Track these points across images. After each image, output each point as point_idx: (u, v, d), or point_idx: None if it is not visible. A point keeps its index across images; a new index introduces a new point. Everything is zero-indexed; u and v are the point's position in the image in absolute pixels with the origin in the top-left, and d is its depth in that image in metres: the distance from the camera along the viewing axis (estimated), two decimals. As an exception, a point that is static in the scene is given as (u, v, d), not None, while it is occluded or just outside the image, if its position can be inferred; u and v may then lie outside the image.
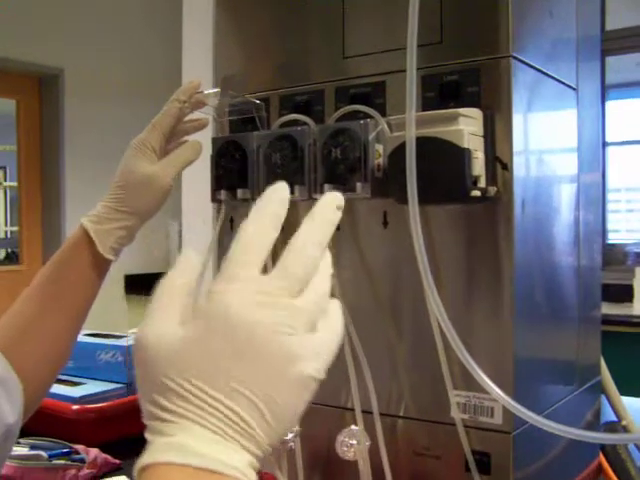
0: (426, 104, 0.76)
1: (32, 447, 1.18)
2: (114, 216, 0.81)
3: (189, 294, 0.45)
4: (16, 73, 4.26)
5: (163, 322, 0.44)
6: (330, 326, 0.46)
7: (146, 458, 0.41)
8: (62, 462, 1.15)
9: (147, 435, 0.42)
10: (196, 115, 0.89)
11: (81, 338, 1.44)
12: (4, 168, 5.97)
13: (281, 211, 0.46)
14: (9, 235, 6.04)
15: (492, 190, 0.73)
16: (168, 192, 0.83)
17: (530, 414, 0.60)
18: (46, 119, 4.40)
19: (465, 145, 0.69)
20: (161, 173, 0.82)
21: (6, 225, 6.26)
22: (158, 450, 0.41)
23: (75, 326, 0.83)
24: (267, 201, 0.46)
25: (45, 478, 1.13)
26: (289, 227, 0.86)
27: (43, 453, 1.16)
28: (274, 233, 0.45)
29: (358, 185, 0.75)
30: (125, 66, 4.53)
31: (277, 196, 0.46)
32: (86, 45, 4.33)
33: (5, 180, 5.96)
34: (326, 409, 0.85)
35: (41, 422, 1.20)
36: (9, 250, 5.58)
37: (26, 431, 1.14)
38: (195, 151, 0.86)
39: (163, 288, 0.46)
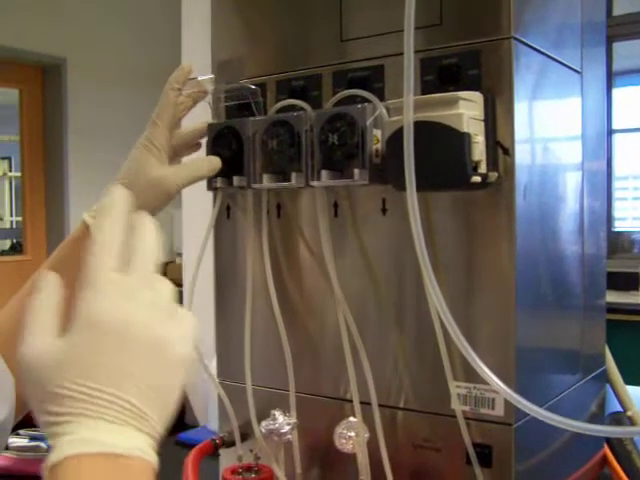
0: (425, 88, 0.74)
1: (31, 438, 1.18)
2: None
3: (56, 310, 0.49)
4: (19, 62, 4.25)
5: (39, 338, 0.48)
6: (182, 311, 0.51)
7: (53, 456, 0.44)
8: (61, 453, 1.14)
9: (50, 441, 0.45)
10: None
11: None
12: (9, 158, 5.97)
13: (122, 214, 0.52)
14: (14, 225, 6.04)
15: (493, 176, 0.71)
16: (173, 197, 0.82)
17: (532, 406, 0.58)
18: (49, 108, 4.39)
19: (465, 129, 0.67)
20: (171, 178, 0.81)
21: (12, 215, 6.26)
22: (64, 446, 0.44)
23: None
24: (109, 207, 0.52)
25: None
26: (285, 216, 0.85)
27: (42, 444, 1.16)
28: (120, 235, 0.51)
29: (356, 171, 0.74)
30: (127, 53, 4.51)
31: (116, 199, 0.53)
32: (88, 33, 4.31)
33: (10, 170, 5.96)
34: (324, 400, 0.83)
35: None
36: (14, 240, 5.58)
37: (25, 422, 1.14)
38: (211, 168, 0.83)
39: (32, 309, 0.49)
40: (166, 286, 0.51)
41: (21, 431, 1.18)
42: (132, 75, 4.48)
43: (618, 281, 3.12)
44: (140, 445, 0.46)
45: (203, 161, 0.84)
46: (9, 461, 1.14)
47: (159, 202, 0.81)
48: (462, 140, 0.67)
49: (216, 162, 0.83)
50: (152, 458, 0.46)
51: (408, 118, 0.63)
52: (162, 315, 0.50)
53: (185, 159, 0.88)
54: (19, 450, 1.15)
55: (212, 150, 0.85)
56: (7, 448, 1.14)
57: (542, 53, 0.77)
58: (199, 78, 0.84)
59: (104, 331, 0.47)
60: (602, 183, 0.97)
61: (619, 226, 4.06)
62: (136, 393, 0.47)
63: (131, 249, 0.51)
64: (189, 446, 0.92)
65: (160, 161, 0.81)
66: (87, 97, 4.35)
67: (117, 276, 0.49)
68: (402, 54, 0.64)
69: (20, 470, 1.13)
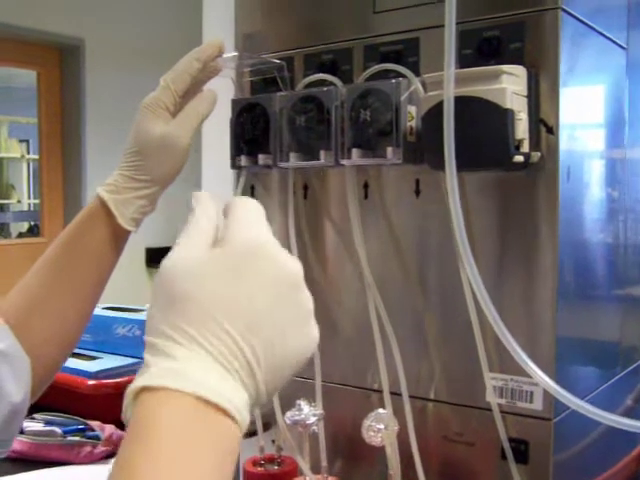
0: (463, 62, 0.70)
1: (46, 423, 1.15)
2: (133, 185, 0.75)
3: (212, 234, 0.46)
4: (37, 44, 4.22)
5: (190, 251, 0.44)
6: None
7: (145, 380, 0.40)
8: (77, 439, 1.12)
9: (146, 355, 0.41)
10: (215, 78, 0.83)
11: (98, 311, 1.41)
12: (27, 141, 5.97)
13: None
14: (32, 208, 6.05)
15: (535, 156, 0.67)
16: (187, 153, 0.75)
17: (579, 402, 0.54)
18: (67, 90, 4.37)
19: (508, 105, 0.63)
20: (177, 132, 0.74)
21: (29, 198, 6.27)
22: (158, 374, 0.40)
23: (86, 306, 0.78)
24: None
25: (59, 455, 1.10)
26: (313, 197, 0.81)
27: (57, 429, 1.13)
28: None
29: (389, 150, 0.70)
30: (146, 34, 4.47)
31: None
32: (106, 14, 4.27)
33: (28, 153, 5.96)
34: (352, 390, 0.80)
35: (56, 397, 1.17)
36: (32, 223, 5.58)
37: (41, 406, 1.12)
38: (210, 102, 0.77)
39: (190, 225, 0.46)
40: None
41: (36, 415, 1.16)
42: (150, 55, 4.43)
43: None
44: (237, 401, 0.40)
45: (200, 100, 0.77)
46: (24, 445, 1.11)
47: (176, 163, 0.75)
48: (505, 117, 0.63)
49: (213, 95, 0.77)
50: (244, 421, 0.40)
51: (449, 93, 0.59)
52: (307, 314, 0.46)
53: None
54: (34, 434, 1.12)
55: (236, 127, 0.81)
56: (22, 432, 1.12)
57: (589, 26, 0.72)
58: (223, 56, 0.80)
59: (255, 273, 0.43)
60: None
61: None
62: (258, 345, 0.42)
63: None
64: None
65: (165, 121, 0.75)
66: (105, 79, 4.32)
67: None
68: (438, 27, 0.60)
69: (35, 454, 1.10)
